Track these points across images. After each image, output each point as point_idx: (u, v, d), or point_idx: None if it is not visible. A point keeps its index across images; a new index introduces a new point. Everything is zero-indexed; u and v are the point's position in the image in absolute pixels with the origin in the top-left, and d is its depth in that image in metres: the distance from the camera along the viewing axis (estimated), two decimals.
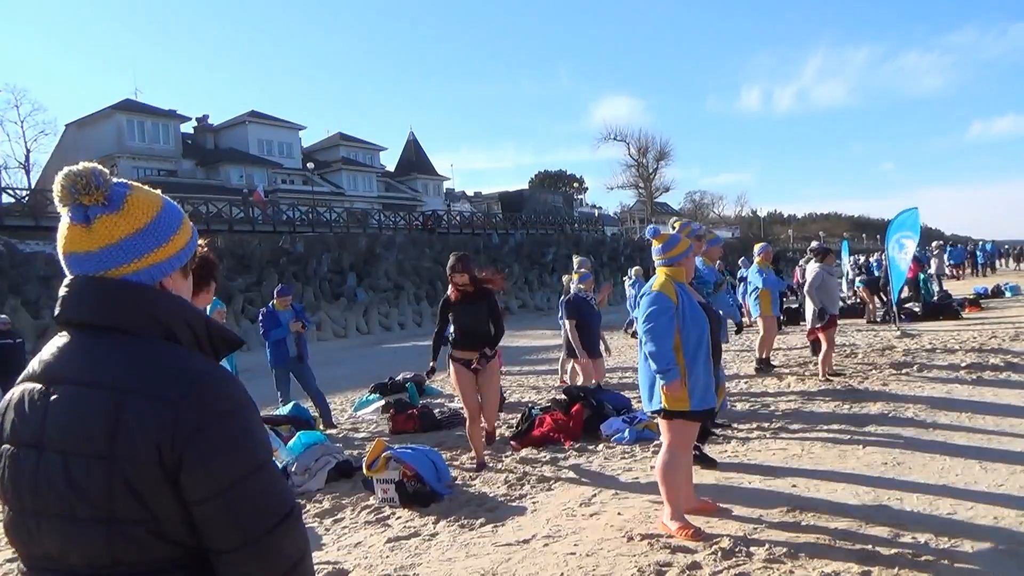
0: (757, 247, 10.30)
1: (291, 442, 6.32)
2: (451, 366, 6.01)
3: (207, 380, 1.24)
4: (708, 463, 5.49)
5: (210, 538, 1.22)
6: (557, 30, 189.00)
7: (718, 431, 6.40)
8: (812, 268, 9.36)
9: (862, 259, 26.76)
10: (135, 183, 1.35)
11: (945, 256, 25.49)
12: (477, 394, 6.02)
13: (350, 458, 6.42)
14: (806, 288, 9.27)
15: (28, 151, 44.32)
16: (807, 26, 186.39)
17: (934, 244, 25.92)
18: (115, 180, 1.30)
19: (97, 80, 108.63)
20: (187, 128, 45.10)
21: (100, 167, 1.27)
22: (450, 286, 5.97)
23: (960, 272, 30.80)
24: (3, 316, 11.57)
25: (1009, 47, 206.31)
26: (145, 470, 1.18)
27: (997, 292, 20.19)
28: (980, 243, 38.98)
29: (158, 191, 1.37)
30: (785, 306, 14.42)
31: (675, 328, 4.06)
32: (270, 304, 8.79)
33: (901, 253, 13.08)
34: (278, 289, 8.99)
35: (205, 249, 1.46)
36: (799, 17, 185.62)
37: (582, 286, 8.72)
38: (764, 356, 9.96)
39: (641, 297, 4.31)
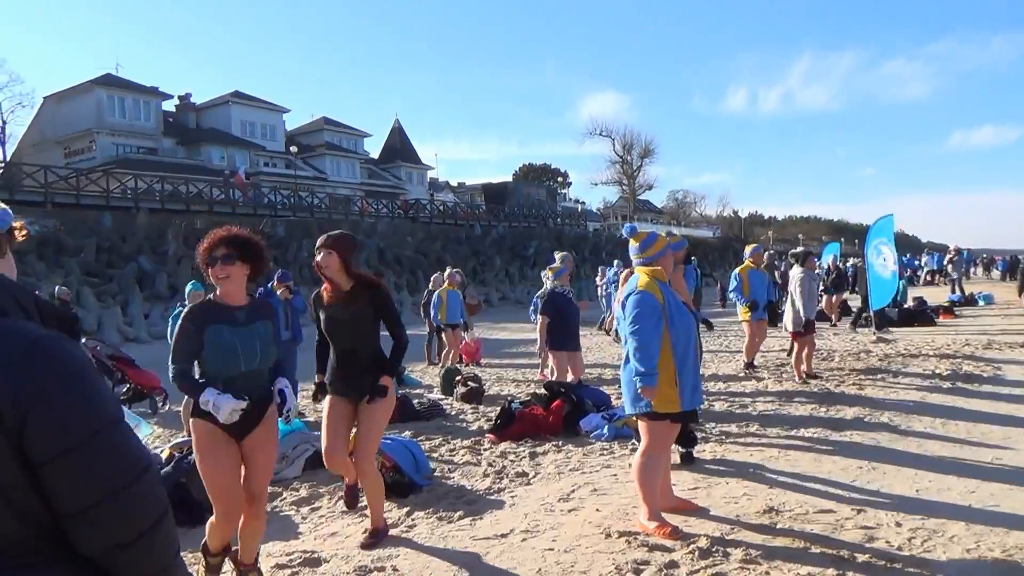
0: (749, 248, 10.20)
1: None
2: (325, 408, 4.33)
3: (47, 342, 1.19)
4: (690, 461, 5.60)
5: (64, 499, 1.17)
6: (545, 23, 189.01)
7: (695, 432, 6.44)
8: (796, 273, 9.40)
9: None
10: None
11: (936, 261, 25.07)
12: (348, 435, 4.33)
13: None
14: (796, 293, 9.24)
15: (4, 123, 43.45)
16: (794, 30, 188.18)
17: (952, 249, 25.31)
18: None
19: (77, 54, 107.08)
20: (169, 106, 44.36)
21: None
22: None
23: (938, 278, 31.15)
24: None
25: (989, 59, 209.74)
26: None
27: (971, 300, 20.55)
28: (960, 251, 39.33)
29: None
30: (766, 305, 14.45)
31: (663, 329, 4.04)
32: (268, 285, 8.39)
33: (879, 259, 13.18)
34: (278, 275, 8.47)
35: (24, 232, 1.43)
36: (786, 20, 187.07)
37: (558, 282, 8.76)
38: (749, 360, 10.01)
39: (627, 298, 4.22)
